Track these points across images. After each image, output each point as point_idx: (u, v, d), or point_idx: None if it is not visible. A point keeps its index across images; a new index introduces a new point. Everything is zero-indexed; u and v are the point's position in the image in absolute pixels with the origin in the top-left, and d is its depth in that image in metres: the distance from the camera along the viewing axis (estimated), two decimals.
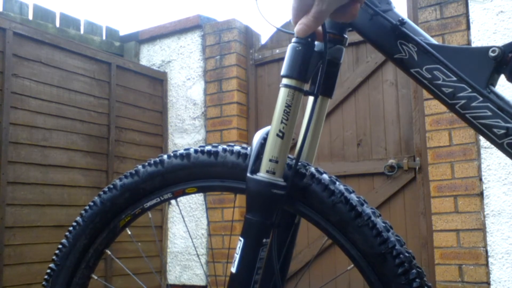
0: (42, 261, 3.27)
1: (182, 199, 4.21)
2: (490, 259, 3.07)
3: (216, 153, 0.91)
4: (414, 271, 0.79)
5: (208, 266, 4.12)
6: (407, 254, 0.80)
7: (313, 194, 0.84)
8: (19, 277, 3.15)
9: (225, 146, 0.92)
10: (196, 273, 4.12)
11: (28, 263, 3.22)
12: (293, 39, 0.83)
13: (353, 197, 0.84)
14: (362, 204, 0.83)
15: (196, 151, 0.93)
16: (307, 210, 0.85)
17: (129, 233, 1.10)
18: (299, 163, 0.86)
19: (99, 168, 3.76)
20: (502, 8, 3.16)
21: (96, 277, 1.05)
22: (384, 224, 0.82)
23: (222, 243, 4.01)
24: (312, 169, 0.86)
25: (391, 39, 0.81)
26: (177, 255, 4.21)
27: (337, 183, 0.85)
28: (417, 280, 0.79)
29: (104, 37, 4.57)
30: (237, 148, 0.91)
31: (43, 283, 1.02)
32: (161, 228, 4.24)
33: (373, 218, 0.82)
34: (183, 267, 4.18)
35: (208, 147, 0.93)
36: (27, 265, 3.21)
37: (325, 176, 0.86)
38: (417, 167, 3.47)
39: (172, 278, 4.23)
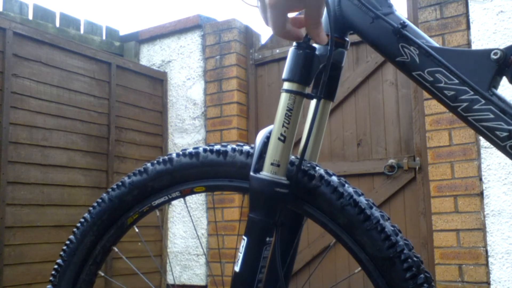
0: (42, 261, 3.27)
1: (182, 199, 4.20)
2: (490, 259, 3.07)
3: (225, 153, 0.91)
4: (422, 275, 0.79)
5: (209, 265, 4.11)
6: (415, 259, 0.80)
7: (322, 196, 0.84)
8: (19, 277, 3.15)
9: (234, 146, 0.92)
10: (196, 273, 4.12)
11: (28, 263, 3.22)
12: (294, 43, 0.83)
13: (362, 199, 0.84)
14: (371, 207, 0.83)
15: (205, 150, 0.93)
16: (315, 211, 0.85)
17: (137, 230, 1.10)
18: (308, 165, 0.87)
19: (99, 168, 3.76)
20: (502, 8, 3.16)
21: (103, 274, 1.05)
22: (392, 228, 0.82)
23: (223, 243, 4.01)
24: (321, 171, 0.86)
25: (392, 42, 0.81)
26: (177, 255, 4.22)
27: (346, 185, 0.85)
28: (425, 285, 0.78)
29: (104, 37, 4.56)
30: (246, 148, 0.91)
31: (50, 278, 1.02)
32: (161, 228, 4.24)
33: (381, 221, 0.81)
34: (183, 267, 4.18)
35: (217, 146, 0.93)
36: (27, 265, 3.21)
37: (334, 178, 0.86)
38: (417, 167, 3.47)
39: (172, 278, 4.23)
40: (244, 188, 0.90)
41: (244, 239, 0.84)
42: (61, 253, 1.02)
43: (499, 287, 3.03)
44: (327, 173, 0.86)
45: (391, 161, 3.54)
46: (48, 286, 1.02)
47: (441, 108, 3.22)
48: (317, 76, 0.85)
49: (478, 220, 3.12)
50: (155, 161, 0.97)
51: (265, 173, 0.83)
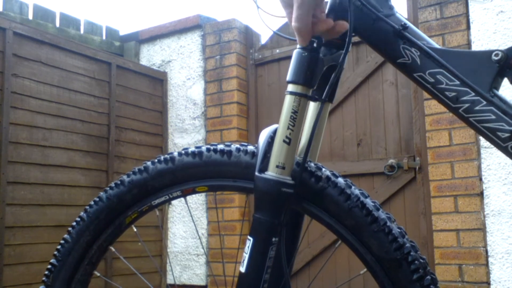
0: (42, 261, 3.27)
1: (182, 199, 4.20)
2: (490, 259, 3.07)
3: (229, 153, 0.90)
4: (428, 277, 0.79)
5: (209, 266, 4.11)
6: (421, 260, 0.80)
7: (329, 197, 0.84)
8: (19, 277, 3.15)
9: (238, 146, 0.91)
10: (196, 273, 4.12)
11: (28, 263, 3.22)
12: (298, 45, 0.83)
13: (368, 201, 0.84)
14: (377, 209, 0.83)
15: (208, 150, 0.92)
16: (321, 213, 0.85)
17: (135, 230, 1.08)
18: (314, 166, 0.86)
19: (99, 168, 3.76)
20: (502, 8, 3.16)
21: (99, 274, 1.03)
22: (399, 230, 0.82)
23: (223, 243, 4.01)
24: (328, 172, 0.86)
25: (393, 44, 0.81)
26: (177, 255, 4.22)
27: (353, 187, 0.85)
28: (431, 286, 0.79)
29: (104, 37, 4.56)
30: (251, 148, 0.90)
31: (43, 278, 0.99)
32: (161, 228, 4.24)
33: (389, 223, 0.82)
34: (183, 267, 4.18)
35: (221, 146, 0.91)
36: (27, 265, 3.21)
37: (340, 179, 0.86)
38: (417, 167, 3.47)
39: (172, 278, 4.23)
40: (248, 188, 0.89)
41: (249, 240, 0.83)
42: (55, 252, 0.99)
43: (499, 287, 3.03)
44: (333, 174, 0.86)
45: (391, 161, 3.54)
46: (41, 287, 0.98)
47: (441, 108, 3.22)
48: (321, 77, 0.85)
49: (478, 220, 3.12)
50: (156, 160, 0.95)
51: (271, 173, 0.82)
